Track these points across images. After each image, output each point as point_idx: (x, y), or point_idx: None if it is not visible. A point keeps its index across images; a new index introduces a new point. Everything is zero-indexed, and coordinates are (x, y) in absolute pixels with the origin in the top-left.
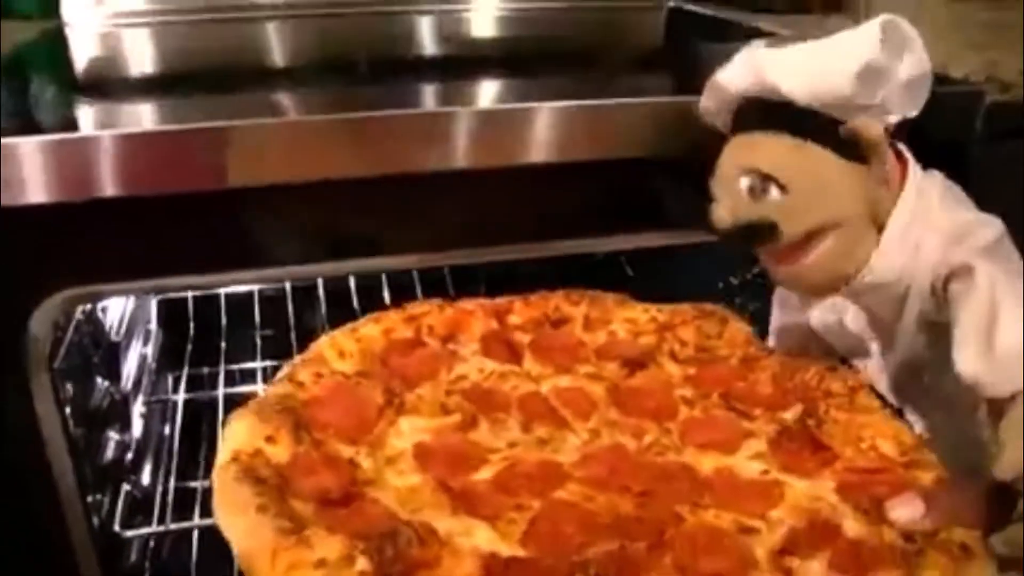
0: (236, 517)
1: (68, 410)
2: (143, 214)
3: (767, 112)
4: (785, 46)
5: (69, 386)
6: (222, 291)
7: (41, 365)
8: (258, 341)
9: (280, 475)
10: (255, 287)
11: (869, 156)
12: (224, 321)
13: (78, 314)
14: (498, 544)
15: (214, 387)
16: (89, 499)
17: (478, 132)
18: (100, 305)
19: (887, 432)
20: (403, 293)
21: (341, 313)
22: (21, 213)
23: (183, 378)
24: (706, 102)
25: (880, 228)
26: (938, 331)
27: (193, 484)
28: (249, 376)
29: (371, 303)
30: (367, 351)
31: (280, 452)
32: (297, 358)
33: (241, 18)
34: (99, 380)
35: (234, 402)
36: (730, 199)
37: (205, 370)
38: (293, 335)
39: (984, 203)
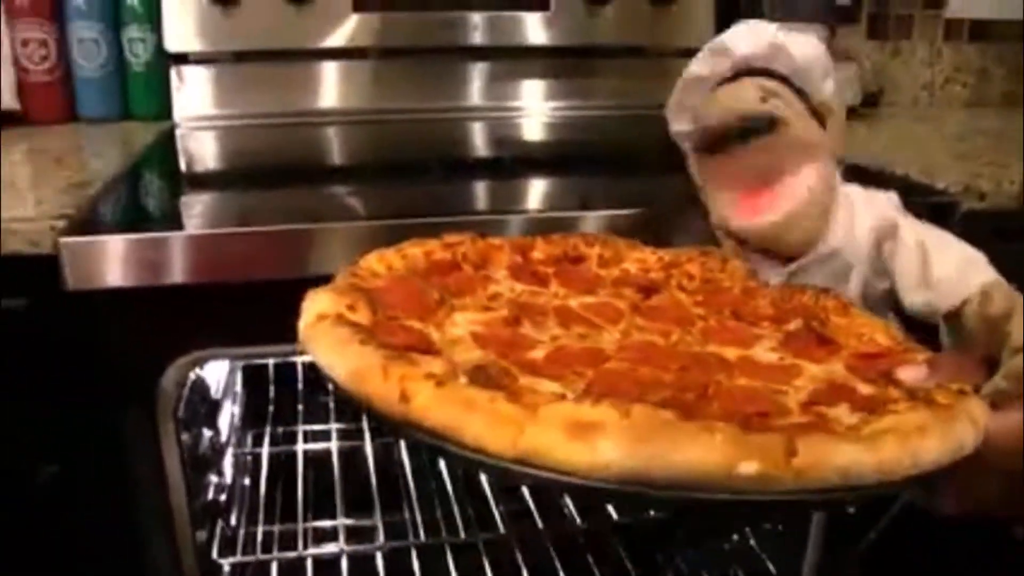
0: (341, 348)
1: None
2: (246, 295)
3: (759, 74)
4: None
5: (184, 435)
6: (299, 360)
7: (168, 415)
8: (331, 404)
9: (367, 332)
10: None
11: (829, 123)
12: (300, 386)
13: (192, 375)
14: (568, 392)
15: (292, 443)
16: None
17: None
18: (206, 368)
19: (881, 329)
20: None
21: None
22: (158, 293)
23: (265, 435)
24: (702, 69)
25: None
26: (879, 301)
27: (270, 527)
28: (323, 435)
29: None
30: (411, 267)
31: (361, 318)
32: (345, 266)
33: (321, 122)
34: (204, 431)
35: (309, 457)
36: (742, 99)
37: (281, 429)
38: None
39: None
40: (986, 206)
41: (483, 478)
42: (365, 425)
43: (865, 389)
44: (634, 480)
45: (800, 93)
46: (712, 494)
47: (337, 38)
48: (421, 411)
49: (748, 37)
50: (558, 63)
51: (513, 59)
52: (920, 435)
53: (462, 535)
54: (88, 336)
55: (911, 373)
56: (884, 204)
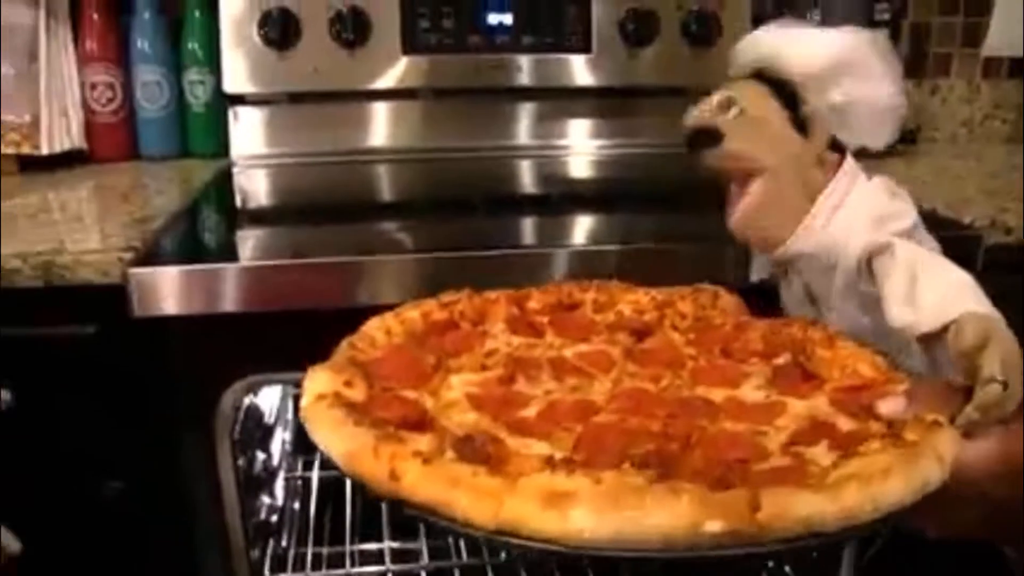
0: (336, 430)
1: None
2: (299, 324)
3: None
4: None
5: (239, 457)
6: None
7: (225, 436)
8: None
9: (362, 409)
10: None
11: (812, 131)
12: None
13: (247, 399)
14: (555, 452)
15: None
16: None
17: (574, 269)
18: (260, 395)
19: (865, 359)
20: None
21: None
22: (217, 320)
23: (315, 461)
24: (730, 70)
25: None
26: (866, 299)
27: (319, 549)
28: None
29: None
30: (409, 331)
31: (357, 394)
32: (347, 339)
33: (373, 160)
34: (258, 453)
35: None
36: (703, 107)
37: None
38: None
39: None
40: (1011, 240)
41: None
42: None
43: (846, 425)
44: (608, 544)
45: (793, 99)
46: (682, 552)
47: (387, 80)
48: (410, 488)
49: (755, 41)
50: (602, 103)
51: (558, 99)
52: (883, 478)
53: (502, 556)
54: (152, 360)
55: (890, 406)
56: (892, 218)
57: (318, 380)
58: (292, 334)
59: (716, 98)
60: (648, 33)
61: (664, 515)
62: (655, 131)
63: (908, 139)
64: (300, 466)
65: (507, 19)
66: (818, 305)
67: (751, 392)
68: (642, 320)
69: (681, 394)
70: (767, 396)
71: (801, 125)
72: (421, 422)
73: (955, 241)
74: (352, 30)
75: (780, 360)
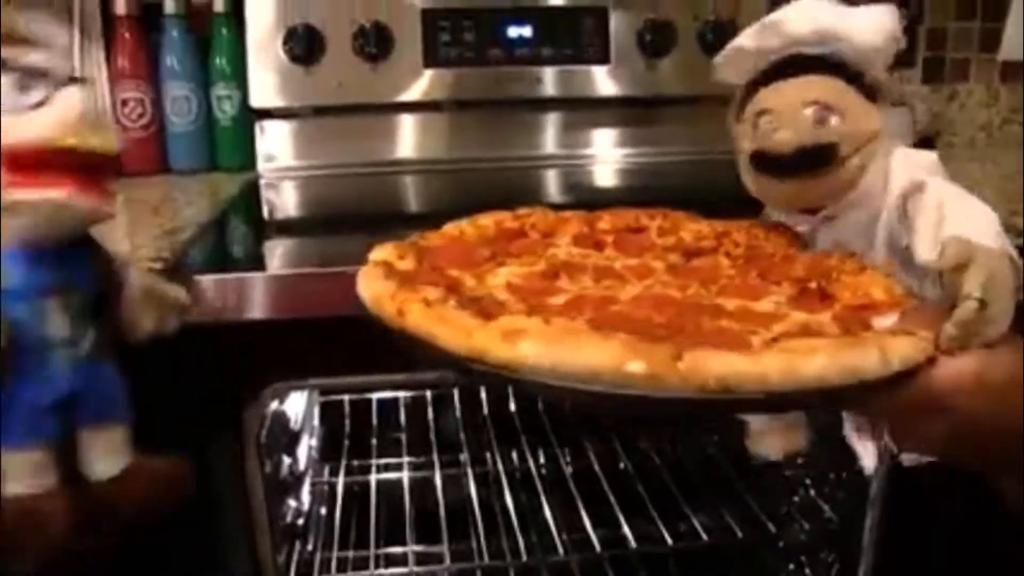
0: (371, 282)
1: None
2: (324, 331)
3: (811, 64)
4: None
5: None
6: (374, 396)
7: (252, 441)
8: (403, 440)
9: (405, 276)
10: (400, 394)
11: (880, 96)
12: (375, 421)
13: (274, 405)
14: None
15: (366, 473)
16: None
17: None
18: (286, 402)
19: (880, 285)
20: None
21: (473, 416)
22: (245, 328)
23: (341, 467)
24: (748, 42)
25: None
26: (907, 256)
27: (344, 553)
28: (395, 468)
29: (501, 408)
30: (481, 234)
31: (406, 265)
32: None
33: (398, 172)
34: (284, 458)
35: (382, 488)
36: (793, 128)
37: (356, 462)
38: (432, 435)
39: None
40: (1021, 243)
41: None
42: (436, 458)
43: (833, 333)
44: (547, 374)
45: (856, 76)
46: (607, 388)
47: (410, 93)
48: (412, 323)
49: (803, 16)
50: (625, 112)
51: (578, 110)
52: (807, 353)
53: (524, 558)
54: (182, 366)
55: (884, 322)
56: (918, 164)
57: (378, 251)
58: (318, 342)
59: (809, 113)
60: (665, 43)
61: (595, 353)
62: (679, 138)
63: (927, 145)
64: (326, 472)
65: (527, 32)
66: None
67: (766, 304)
68: (698, 245)
69: (700, 301)
70: (777, 308)
71: (869, 95)
72: (451, 290)
73: None
74: (375, 44)
75: (812, 284)
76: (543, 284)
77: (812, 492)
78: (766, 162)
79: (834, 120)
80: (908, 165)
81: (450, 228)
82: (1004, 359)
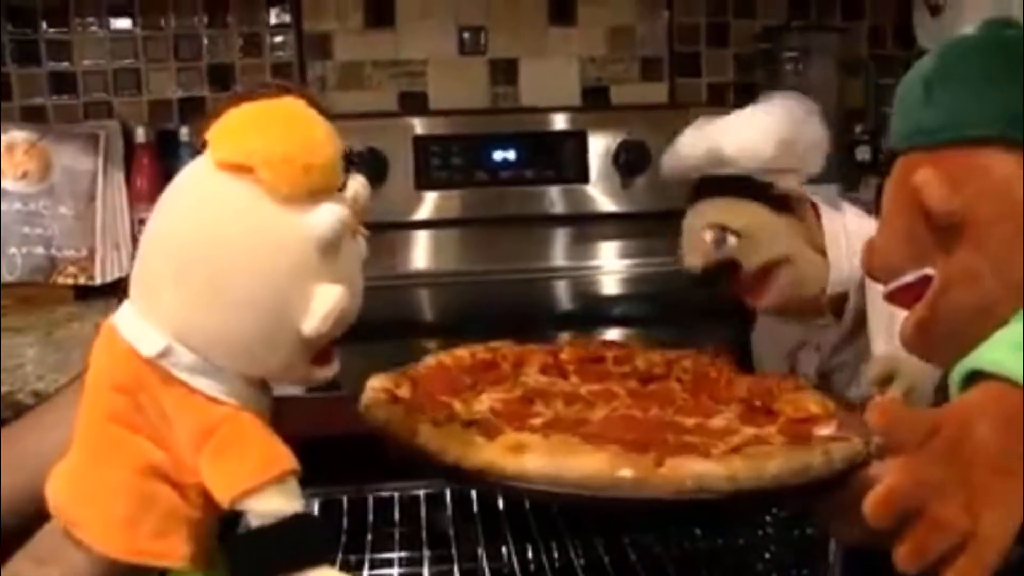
0: (379, 408)
1: None
2: (330, 446)
3: (718, 184)
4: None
5: None
6: (370, 496)
7: None
8: (396, 536)
9: (404, 403)
10: (395, 493)
11: (794, 205)
12: (371, 518)
13: None
14: None
15: (361, 570)
16: None
17: None
18: None
19: (816, 401)
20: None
21: (464, 515)
22: None
23: (336, 563)
24: (666, 171)
25: (823, 253)
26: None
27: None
28: (388, 563)
29: (489, 509)
30: (458, 364)
31: (403, 392)
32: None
33: (409, 285)
34: None
35: None
36: (698, 249)
37: (352, 557)
38: (424, 533)
39: None
40: None
41: None
42: (425, 553)
43: (781, 443)
44: (550, 482)
45: (763, 189)
46: (602, 492)
47: (403, 214)
48: (424, 442)
49: (695, 140)
50: (601, 227)
51: (564, 226)
52: (766, 457)
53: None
54: None
55: (824, 430)
56: (868, 233)
57: (375, 380)
58: (320, 456)
59: (708, 235)
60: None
61: (590, 462)
62: (653, 251)
63: None
64: None
65: (510, 155)
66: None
67: (719, 421)
68: (651, 372)
69: (663, 419)
70: (728, 424)
71: (778, 203)
72: (448, 418)
73: None
74: (369, 169)
75: (756, 403)
76: (522, 408)
77: None
78: (698, 282)
79: (731, 239)
80: (861, 231)
81: (431, 359)
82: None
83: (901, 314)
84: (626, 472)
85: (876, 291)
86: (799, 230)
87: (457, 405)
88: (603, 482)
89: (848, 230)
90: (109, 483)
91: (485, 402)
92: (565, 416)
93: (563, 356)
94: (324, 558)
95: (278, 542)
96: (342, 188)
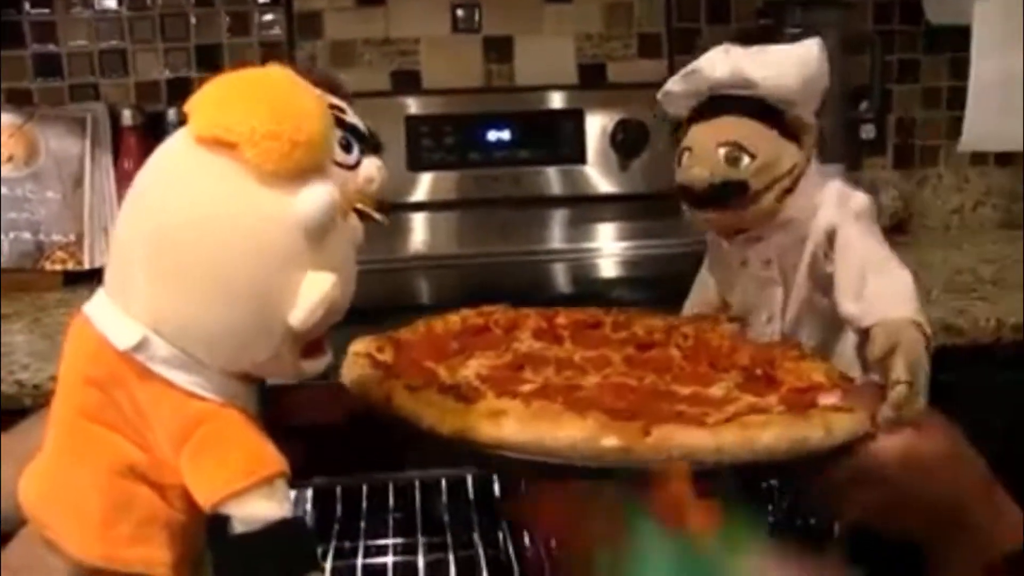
0: (356, 371)
1: None
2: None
3: (733, 102)
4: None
5: None
6: (364, 485)
7: None
8: (390, 522)
9: (385, 368)
10: (390, 480)
11: (802, 136)
12: (364, 505)
13: None
14: None
15: (354, 557)
16: None
17: None
18: None
19: (820, 370)
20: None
21: (458, 504)
22: None
23: (330, 549)
24: (675, 87)
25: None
26: (827, 281)
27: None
28: (382, 550)
29: (485, 495)
30: (448, 328)
31: (385, 357)
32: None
33: (408, 268)
34: None
35: (369, 571)
36: (706, 165)
37: (347, 544)
38: (419, 519)
39: None
40: (964, 341)
41: None
42: (419, 540)
43: (781, 413)
44: (529, 451)
45: (774, 113)
46: (585, 460)
47: (394, 195)
48: (397, 407)
49: (721, 62)
50: (600, 208)
51: (561, 207)
52: (760, 427)
53: None
54: None
55: (827, 399)
56: (850, 205)
57: (358, 344)
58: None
59: (722, 152)
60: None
61: (573, 429)
62: (652, 233)
63: (899, 229)
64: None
65: (505, 135)
66: (771, 289)
67: (717, 390)
68: (650, 338)
69: (657, 388)
70: (727, 392)
71: (788, 134)
72: (427, 383)
73: None
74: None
75: (758, 371)
76: (510, 374)
77: None
78: (686, 194)
79: (746, 159)
80: (840, 202)
81: (421, 323)
82: (931, 438)
83: (872, 278)
84: (611, 440)
85: (845, 247)
86: (798, 157)
87: (442, 371)
88: (586, 451)
89: (823, 174)
90: (82, 483)
91: (472, 368)
92: (554, 383)
93: (559, 320)
94: (313, 566)
95: (263, 550)
96: (355, 167)
